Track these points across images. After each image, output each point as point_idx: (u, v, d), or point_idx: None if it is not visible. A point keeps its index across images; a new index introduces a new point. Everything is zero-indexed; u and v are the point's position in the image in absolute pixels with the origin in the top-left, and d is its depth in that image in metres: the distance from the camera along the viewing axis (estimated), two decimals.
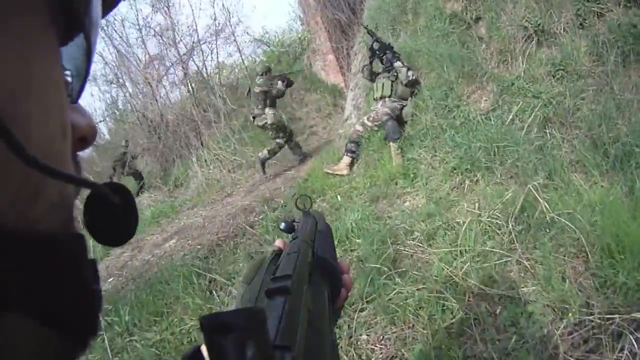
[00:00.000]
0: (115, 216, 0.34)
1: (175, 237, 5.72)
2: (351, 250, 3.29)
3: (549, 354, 1.85)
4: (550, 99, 3.75)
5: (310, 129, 7.71)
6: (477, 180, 3.47)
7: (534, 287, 2.24)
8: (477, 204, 3.12)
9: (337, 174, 5.02)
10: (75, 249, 0.29)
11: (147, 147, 8.71)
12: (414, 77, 4.77)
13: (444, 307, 2.34)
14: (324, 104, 7.99)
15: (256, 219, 4.91)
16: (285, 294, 0.40)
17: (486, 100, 4.35)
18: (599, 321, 1.84)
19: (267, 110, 6.55)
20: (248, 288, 0.62)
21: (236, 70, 11.99)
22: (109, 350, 3.10)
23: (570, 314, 1.96)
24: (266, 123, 6.57)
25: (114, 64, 9.81)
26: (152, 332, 3.27)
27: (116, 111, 11.06)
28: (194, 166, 7.65)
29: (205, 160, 7.59)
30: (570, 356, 1.83)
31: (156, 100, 8.78)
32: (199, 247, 4.81)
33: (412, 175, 4.04)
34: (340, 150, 5.45)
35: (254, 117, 6.66)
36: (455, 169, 3.68)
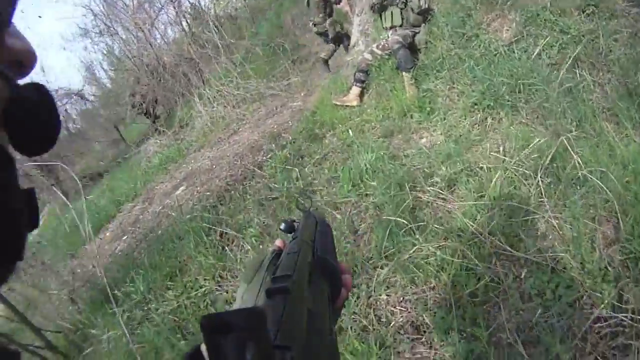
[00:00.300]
0: (32, 113, 0.34)
1: (184, 184, 5.56)
2: (366, 195, 3.06)
3: (575, 343, 1.69)
4: (581, 36, 3.35)
5: (315, 56, 7.25)
6: (501, 119, 3.19)
7: (562, 254, 2.01)
8: (501, 147, 2.83)
9: (346, 106, 4.71)
10: None
11: (145, 93, 8.36)
12: (426, 5, 4.32)
13: (468, 270, 2.13)
14: None
15: (264, 158, 4.69)
16: (285, 294, 0.40)
17: (508, 30, 3.95)
18: (630, 322, 1.66)
19: (327, 22, 6.61)
20: (248, 288, 0.61)
21: (233, 0, 11.28)
22: (122, 324, 2.99)
23: (602, 306, 1.75)
24: (326, 31, 6.63)
25: (103, 14, 9.29)
26: (168, 299, 3.16)
27: (114, 59, 10.61)
28: (196, 105, 7.33)
29: (208, 98, 7.26)
30: (595, 346, 1.67)
31: (150, 45, 8.27)
32: (207, 193, 4.65)
33: (428, 109, 3.73)
34: (349, 79, 5.09)
35: (314, 24, 6.71)
36: (476, 105, 3.37)
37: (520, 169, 2.56)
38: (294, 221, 0.74)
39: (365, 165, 3.25)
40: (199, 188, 5.03)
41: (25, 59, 0.35)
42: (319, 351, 0.41)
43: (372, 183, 3.09)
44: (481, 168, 2.75)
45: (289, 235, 0.71)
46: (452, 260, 2.15)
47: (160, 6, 8.97)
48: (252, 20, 9.32)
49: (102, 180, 9.24)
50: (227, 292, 2.95)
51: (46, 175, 10.20)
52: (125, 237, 5.32)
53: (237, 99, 7.06)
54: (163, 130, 7.92)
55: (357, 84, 4.69)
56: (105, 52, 11.62)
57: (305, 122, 4.97)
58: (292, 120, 5.48)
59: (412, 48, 4.33)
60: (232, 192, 4.27)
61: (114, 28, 9.39)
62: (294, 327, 0.37)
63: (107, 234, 6.01)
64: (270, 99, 6.72)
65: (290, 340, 0.33)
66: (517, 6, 4.00)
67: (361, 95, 4.70)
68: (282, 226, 0.73)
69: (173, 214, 4.70)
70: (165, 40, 9.16)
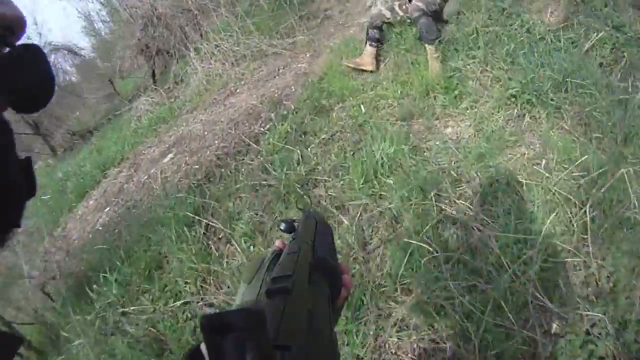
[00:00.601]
0: (26, 70, 0.36)
1: (173, 150, 5.05)
2: (380, 197, 2.55)
3: None
4: (637, 37, 2.88)
5: (325, 13, 6.54)
6: (540, 119, 2.70)
7: (599, 315, 1.68)
8: (543, 160, 2.36)
9: (360, 69, 4.11)
10: None
11: (137, 47, 7.62)
12: None
13: (498, 325, 1.69)
14: None
15: (262, 129, 4.15)
16: (285, 294, 0.41)
17: (552, 12, 3.37)
18: None
19: None
20: (248, 288, 0.61)
21: None
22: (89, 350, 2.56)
23: None
24: None
25: None
26: (143, 304, 2.70)
27: (112, 10, 9.71)
28: (192, 61, 6.70)
29: (206, 53, 6.61)
30: None
31: None
32: (196, 167, 4.14)
33: (455, 92, 3.18)
34: (363, 43, 4.50)
35: None
36: (514, 97, 2.82)
37: (563, 192, 2.13)
38: (294, 221, 0.71)
39: (382, 157, 2.72)
40: (187, 159, 4.51)
41: (15, 25, 0.36)
42: (318, 351, 0.40)
43: (389, 181, 2.59)
44: (519, 182, 2.30)
45: (289, 235, 0.69)
46: (484, 316, 1.69)
47: None
48: None
49: (92, 139, 8.70)
50: (211, 306, 2.49)
51: (34, 132, 9.73)
52: (108, 209, 4.85)
53: (236, 55, 6.43)
54: (155, 88, 7.29)
55: (372, 43, 4.06)
56: (103, 1, 10.80)
57: (311, 89, 4.39)
58: (296, 85, 4.89)
59: (437, 17, 3.69)
60: (223, 169, 3.77)
61: None
62: (294, 327, 0.36)
63: (91, 202, 5.53)
64: (272, 58, 6.09)
65: (290, 340, 0.33)
66: None
67: (377, 59, 4.10)
68: (282, 226, 0.70)
69: (157, 188, 4.23)
70: None
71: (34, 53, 0.38)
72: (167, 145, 5.33)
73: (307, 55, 5.73)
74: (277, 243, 0.70)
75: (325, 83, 4.33)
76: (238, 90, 5.78)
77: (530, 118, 2.74)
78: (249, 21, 6.56)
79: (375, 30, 4.02)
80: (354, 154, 2.97)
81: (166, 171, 4.59)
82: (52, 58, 11.13)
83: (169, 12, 7.41)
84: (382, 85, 3.77)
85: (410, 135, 2.99)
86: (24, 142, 9.88)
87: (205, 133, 4.90)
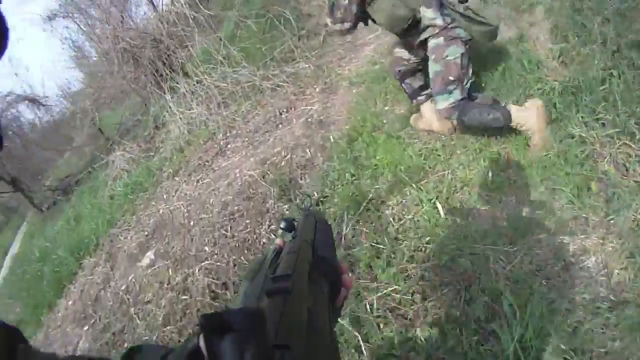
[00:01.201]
0: None
1: (152, 245, 3.80)
2: None
3: None
4: None
5: (326, 29, 5.14)
6: None
7: None
8: None
9: (433, 131, 2.75)
10: None
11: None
12: None
13: None
14: None
15: (272, 235, 2.78)
16: (285, 293, 0.39)
17: None
18: None
19: None
20: (250, 286, 0.57)
21: None
22: None
23: None
24: None
25: None
26: None
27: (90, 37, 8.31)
28: (168, 105, 5.31)
29: (184, 93, 5.23)
30: None
31: (107, 23, 6.00)
32: (184, 297, 2.80)
33: (584, 184, 1.87)
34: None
35: None
36: None
37: None
38: (294, 220, 0.67)
39: None
40: (170, 272, 3.19)
41: None
42: (318, 350, 0.38)
43: None
44: None
45: (289, 234, 0.64)
46: None
47: None
48: None
49: (72, 197, 7.46)
50: None
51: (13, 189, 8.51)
52: (87, 328, 3.58)
53: (223, 93, 5.04)
54: (126, 143, 5.91)
55: (417, 99, 2.78)
56: (83, 32, 9.49)
57: (339, 161, 2.96)
58: (311, 144, 3.46)
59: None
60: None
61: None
62: (294, 326, 0.35)
63: (70, 302, 4.26)
64: (269, 96, 4.70)
65: (289, 340, 0.32)
66: None
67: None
68: (282, 225, 0.66)
69: (138, 321, 2.93)
70: (132, 19, 6.72)
71: None
72: (145, 233, 4.06)
73: (317, 89, 4.34)
74: (278, 241, 0.65)
75: (360, 150, 2.92)
76: (229, 147, 4.41)
77: None
78: (234, 48, 5.16)
79: (408, 82, 2.68)
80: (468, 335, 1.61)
81: (145, 289, 3.28)
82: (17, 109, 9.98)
83: (137, 44, 5.99)
84: (458, 158, 2.39)
85: (533, 265, 1.65)
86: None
87: (191, 223, 3.57)
